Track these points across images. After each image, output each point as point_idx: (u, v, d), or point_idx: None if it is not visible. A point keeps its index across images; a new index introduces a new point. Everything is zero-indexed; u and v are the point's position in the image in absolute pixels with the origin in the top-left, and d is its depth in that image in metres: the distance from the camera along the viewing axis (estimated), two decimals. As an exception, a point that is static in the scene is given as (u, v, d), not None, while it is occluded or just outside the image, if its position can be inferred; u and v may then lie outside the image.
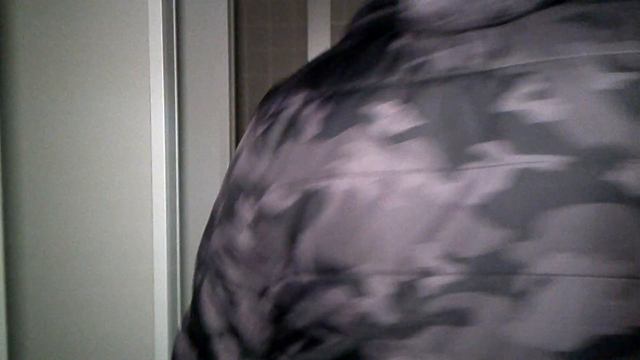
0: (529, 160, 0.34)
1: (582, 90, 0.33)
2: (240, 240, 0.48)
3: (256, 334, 0.49)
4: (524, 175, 0.34)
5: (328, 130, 0.41)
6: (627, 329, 0.32)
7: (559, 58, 0.35)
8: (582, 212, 0.32)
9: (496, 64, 0.36)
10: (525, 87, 0.35)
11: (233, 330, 0.49)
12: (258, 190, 0.46)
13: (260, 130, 0.47)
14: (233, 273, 0.48)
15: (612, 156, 0.32)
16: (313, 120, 0.43)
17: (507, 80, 0.35)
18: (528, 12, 0.37)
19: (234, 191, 0.49)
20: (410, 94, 0.39)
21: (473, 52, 0.38)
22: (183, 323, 0.54)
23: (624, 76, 0.33)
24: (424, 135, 0.37)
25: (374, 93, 0.40)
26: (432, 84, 0.38)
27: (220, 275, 0.49)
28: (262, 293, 0.49)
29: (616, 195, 0.32)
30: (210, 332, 0.50)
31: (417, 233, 0.36)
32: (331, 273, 0.40)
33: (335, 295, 0.39)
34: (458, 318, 0.35)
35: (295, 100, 0.45)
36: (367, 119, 0.40)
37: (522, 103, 0.35)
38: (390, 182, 0.37)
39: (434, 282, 0.36)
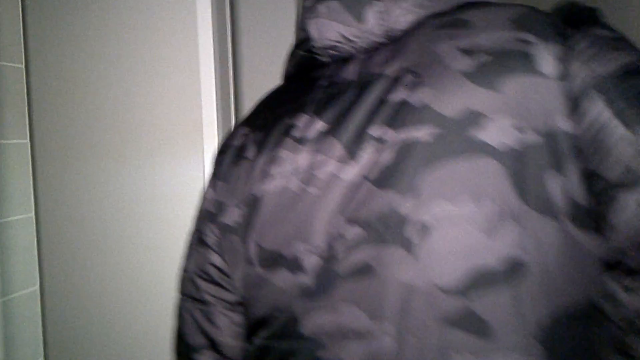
0: (406, 135, 0.41)
1: (444, 74, 0.42)
2: (210, 261, 0.54)
3: (235, 344, 0.55)
4: (404, 148, 0.41)
5: (264, 145, 0.50)
6: (497, 261, 0.37)
7: (430, 58, 0.43)
8: (452, 166, 0.39)
9: (388, 68, 0.45)
10: (405, 80, 0.43)
11: (213, 345, 0.54)
12: (218, 212, 0.54)
13: (215, 163, 0.56)
14: (207, 293, 0.54)
15: (472, 118, 0.40)
16: (252, 144, 0.51)
17: (394, 78, 0.44)
18: (412, 28, 0.46)
19: (202, 218, 0.56)
20: (319, 105, 0.48)
21: (373, 62, 0.47)
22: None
23: (476, 59, 0.41)
24: (329, 135, 0.46)
25: (297, 108, 0.49)
26: (336, 95, 0.47)
27: (195, 298, 0.55)
28: (236, 304, 0.54)
29: (478, 148, 0.39)
30: (192, 349, 0.55)
31: (334, 209, 0.44)
32: (276, 258, 0.46)
33: (282, 276, 0.46)
34: (364, 271, 0.41)
35: (240, 135, 0.54)
36: (293, 128, 0.48)
37: (402, 93, 0.43)
38: (311, 175, 0.46)
39: (344, 244, 0.42)
